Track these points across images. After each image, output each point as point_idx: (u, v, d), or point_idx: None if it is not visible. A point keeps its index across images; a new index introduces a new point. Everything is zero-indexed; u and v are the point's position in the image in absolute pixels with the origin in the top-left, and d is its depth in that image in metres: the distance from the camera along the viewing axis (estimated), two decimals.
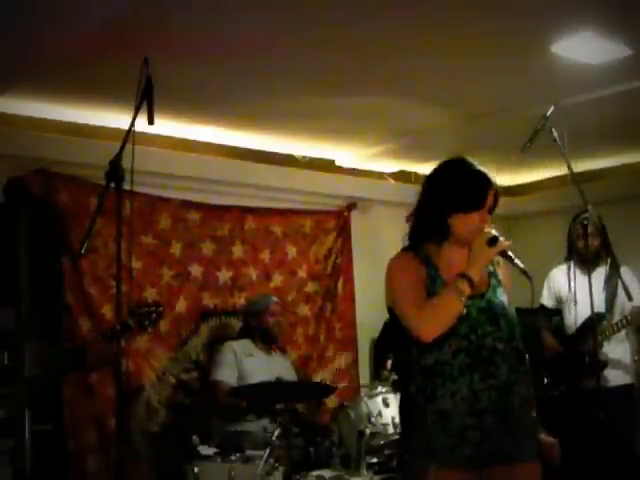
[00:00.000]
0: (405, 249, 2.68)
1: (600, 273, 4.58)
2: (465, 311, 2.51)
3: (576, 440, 4.40)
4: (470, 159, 2.64)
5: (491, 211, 2.60)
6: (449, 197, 2.56)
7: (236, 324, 5.23)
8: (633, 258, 4.96)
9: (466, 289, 2.48)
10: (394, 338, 2.70)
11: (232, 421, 4.52)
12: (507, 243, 2.55)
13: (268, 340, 4.89)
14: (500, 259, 2.66)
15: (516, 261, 2.55)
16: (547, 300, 4.86)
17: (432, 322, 2.49)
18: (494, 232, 2.55)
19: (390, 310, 2.66)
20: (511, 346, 2.54)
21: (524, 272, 2.52)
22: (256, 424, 4.42)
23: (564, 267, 4.78)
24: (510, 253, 2.57)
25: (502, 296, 2.64)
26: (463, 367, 2.48)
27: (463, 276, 2.49)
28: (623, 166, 6.11)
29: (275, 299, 5.04)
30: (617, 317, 4.56)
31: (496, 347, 2.51)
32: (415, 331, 2.50)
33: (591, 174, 5.79)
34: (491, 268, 2.66)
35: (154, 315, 3.52)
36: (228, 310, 5.30)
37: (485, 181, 2.57)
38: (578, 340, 4.57)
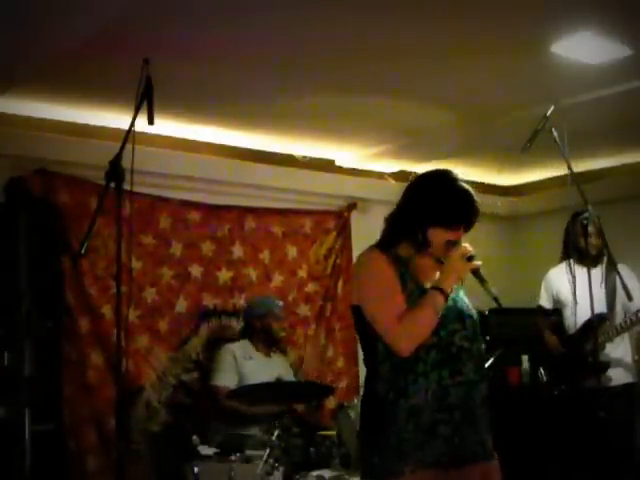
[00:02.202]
0: (375, 247, 2.65)
1: (598, 272, 4.57)
2: None
3: (577, 439, 4.41)
4: (455, 172, 2.63)
5: (468, 228, 2.63)
6: (434, 211, 2.57)
7: (236, 324, 5.23)
8: (633, 258, 4.96)
9: (442, 302, 2.51)
10: (359, 336, 2.66)
11: (234, 425, 4.50)
12: (480, 263, 2.58)
13: (270, 343, 4.88)
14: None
15: (487, 285, 2.58)
16: (545, 301, 4.85)
17: (411, 339, 2.48)
18: (470, 249, 2.58)
19: (355, 308, 2.62)
20: (476, 346, 2.58)
21: (494, 298, 2.57)
22: (256, 426, 4.41)
23: (561, 267, 4.77)
24: (482, 274, 2.59)
25: (465, 297, 2.69)
26: (434, 363, 2.50)
27: (438, 290, 2.52)
28: (623, 166, 6.11)
29: (280, 303, 5.00)
30: (619, 317, 4.55)
31: (463, 345, 2.54)
32: (394, 348, 2.50)
33: (591, 174, 5.79)
34: None
35: None
36: (228, 310, 5.30)
37: (471, 200, 2.59)
38: (580, 340, 4.57)
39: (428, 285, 2.58)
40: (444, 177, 2.62)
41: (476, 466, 2.52)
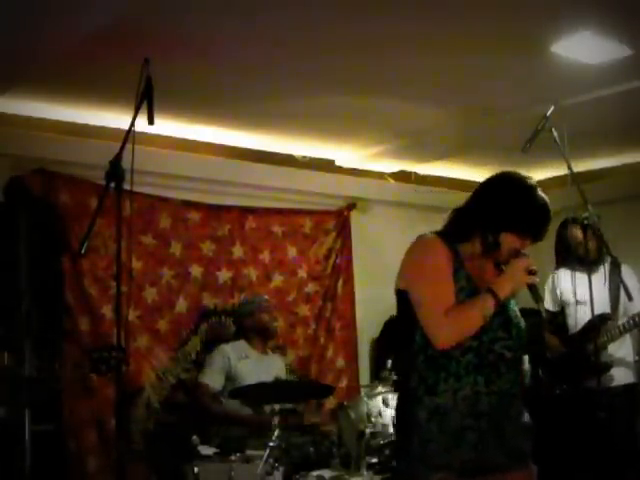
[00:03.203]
0: (436, 235, 2.57)
1: (600, 274, 4.57)
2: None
3: (578, 440, 4.41)
4: (530, 179, 2.58)
5: (536, 241, 2.60)
6: (516, 217, 2.52)
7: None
8: (633, 258, 4.95)
9: (492, 307, 2.44)
10: (398, 324, 2.59)
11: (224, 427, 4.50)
12: (538, 280, 2.53)
13: (266, 337, 4.88)
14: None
15: (541, 304, 2.58)
16: (549, 304, 4.85)
17: (452, 334, 2.43)
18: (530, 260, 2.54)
19: (400, 293, 2.56)
20: (517, 356, 2.52)
21: (544, 319, 2.53)
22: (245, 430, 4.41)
23: (564, 270, 4.77)
24: (539, 291, 2.57)
25: (515, 306, 2.62)
26: (469, 367, 2.44)
27: (492, 293, 2.45)
28: (623, 166, 6.11)
29: (266, 297, 5.04)
30: (621, 318, 4.55)
31: (503, 355, 2.48)
32: (432, 336, 2.44)
33: (591, 174, 5.79)
34: None
35: (112, 361, 3.31)
36: (228, 310, 5.29)
37: (549, 212, 2.55)
38: (582, 341, 4.57)
39: (482, 287, 2.52)
40: (528, 184, 2.56)
41: (502, 475, 2.46)
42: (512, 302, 2.61)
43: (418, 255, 2.56)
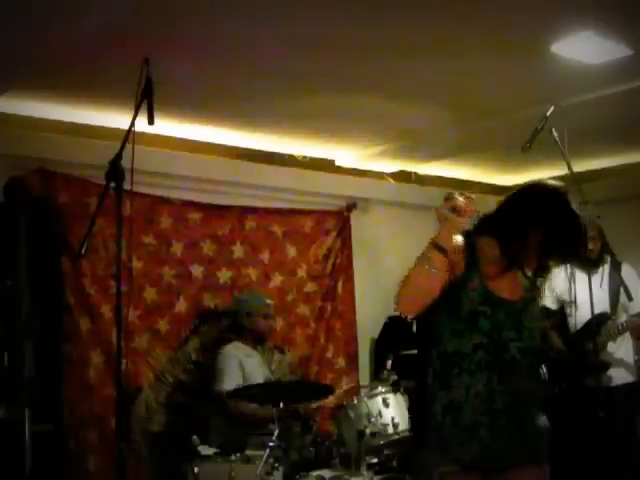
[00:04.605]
0: (474, 227, 2.45)
1: (600, 273, 4.57)
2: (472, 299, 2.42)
3: (577, 438, 4.41)
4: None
5: None
6: (553, 246, 2.49)
7: None
8: (633, 258, 4.96)
9: (437, 258, 2.33)
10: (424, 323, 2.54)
11: (238, 428, 4.46)
12: (461, 199, 2.35)
13: (258, 341, 4.84)
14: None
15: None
16: (550, 303, 4.84)
17: (404, 294, 2.36)
18: (458, 198, 2.37)
19: None
20: (528, 359, 2.49)
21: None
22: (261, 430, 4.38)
23: (564, 269, 4.76)
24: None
25: (535, 309, 2.59)
26: (482, 363, 2.43)
27: (433, 244, 2.34)
28: (623, 166, 6.11)
29: (269, 302, 4.95)
30: (621, 316, 4.55)
31: (516, 356, 2.46)
32: (395, 303, 2.39)
33: (591, 174, 5.79)
34: (525, 282, 2.58)
35: None
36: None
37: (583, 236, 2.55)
38: (582, 340, 4.57)
39: (502, 293, 2.46)
40: (571, 212, 2.46)
41: (513, 472, 2.45)
42: (532, 306, 2.57)
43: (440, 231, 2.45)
